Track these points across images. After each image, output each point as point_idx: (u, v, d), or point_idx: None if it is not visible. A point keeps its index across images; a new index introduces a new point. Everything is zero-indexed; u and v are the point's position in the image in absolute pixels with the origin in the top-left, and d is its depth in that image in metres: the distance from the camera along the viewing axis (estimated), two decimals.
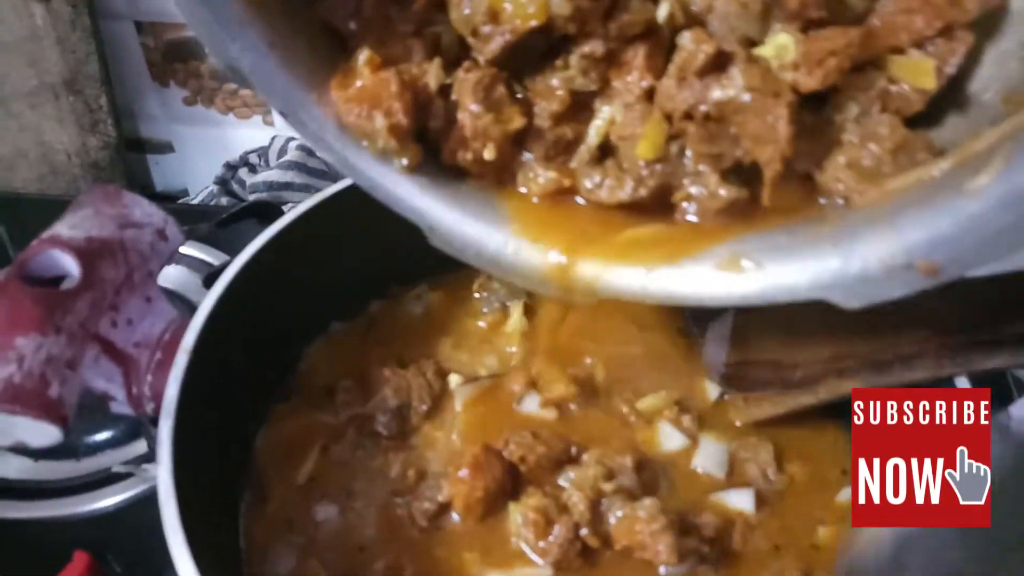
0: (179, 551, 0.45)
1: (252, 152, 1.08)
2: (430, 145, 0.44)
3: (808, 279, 0.41)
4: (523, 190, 0.45)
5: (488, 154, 0.43)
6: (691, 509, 0.56)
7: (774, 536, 0.56)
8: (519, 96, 0.44)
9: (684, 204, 0.43)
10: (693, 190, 0.42)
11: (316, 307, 0.65)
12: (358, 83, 0.42)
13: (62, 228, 0.58)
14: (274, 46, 0.42)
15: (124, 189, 0.63)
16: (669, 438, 0.60)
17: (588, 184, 0.44)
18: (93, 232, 0.58)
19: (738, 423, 0.62)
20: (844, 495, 0.58)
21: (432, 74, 0.42)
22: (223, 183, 1.07)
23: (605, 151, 0.44)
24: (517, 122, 0.43)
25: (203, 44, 0.47)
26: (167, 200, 1.15)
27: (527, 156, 0.45)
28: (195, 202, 1.10)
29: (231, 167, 1.08)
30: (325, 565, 0.53)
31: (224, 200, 1.07)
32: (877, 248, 0.39)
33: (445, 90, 0.43)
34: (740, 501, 0.57)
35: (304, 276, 0.62)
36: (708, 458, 0.59)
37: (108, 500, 0.75)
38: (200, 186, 1.13)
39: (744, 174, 0.42)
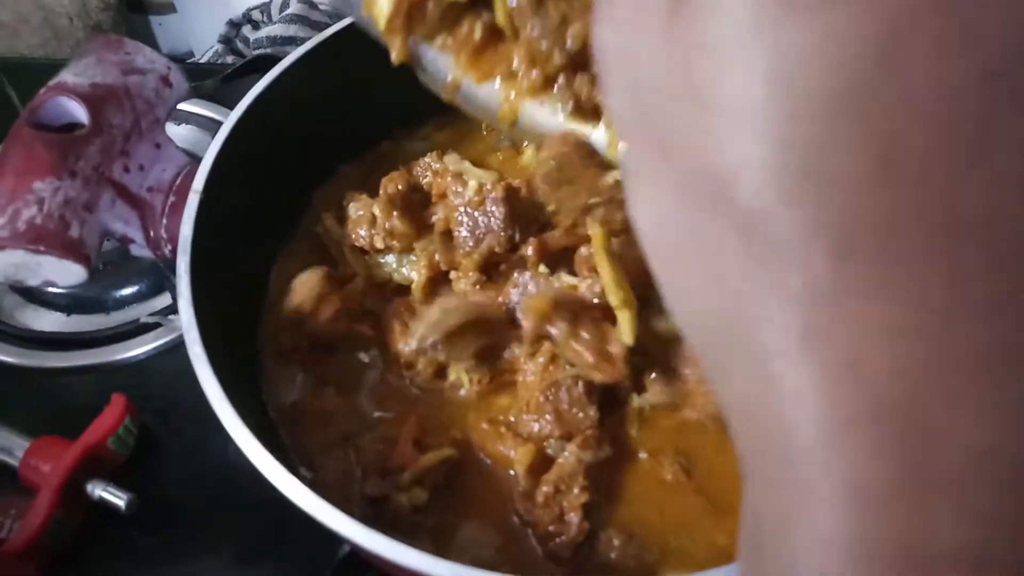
0: (205, 373, 0.48)
1: (255, 8, 1.07)
2: None
3: None
4: None
5: None
6: None
7: None
8: None
9: None
10: None
11: (323, 150, 0.65)
12: None
13: (67, 76, 0.59)
14: None
15: (125, 37, 0.63)
16: None
17: None
18: (97, 79, 0.59)
19: None
20: None
21: None
22: (227, 41, 1.06)
23: None
24: None
25: None
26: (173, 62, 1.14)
27: None
28: (201, 62, 1.09)
29: (234, 24, 1.07)
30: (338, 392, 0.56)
31: (230, 59, 1.06)
32: None
33: None
34: None
35: (309, 119, 0.63)
36: None
37: (138, 349, 0.78)
38: (205, 46, 1.11)
39: None
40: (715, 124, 0.18)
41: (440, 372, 0.55)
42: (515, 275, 0.54)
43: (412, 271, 0.58)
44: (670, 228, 0.21)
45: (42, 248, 0.53)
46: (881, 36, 0.16)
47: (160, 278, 0.81)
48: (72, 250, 0.53)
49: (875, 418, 0.18)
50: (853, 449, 0.18)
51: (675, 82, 0.19)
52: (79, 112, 0.57)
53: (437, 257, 0.57)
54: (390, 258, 0.59)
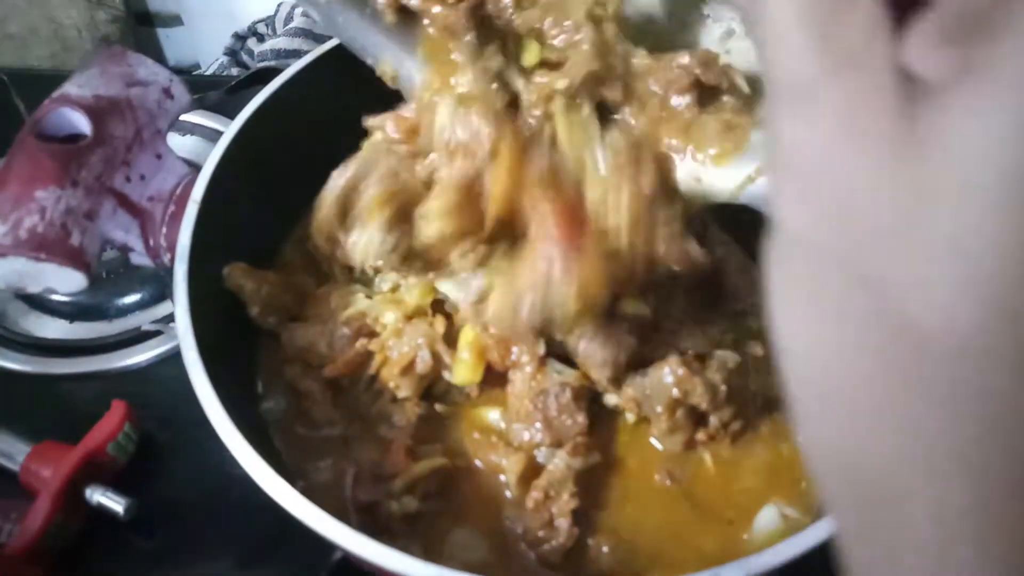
0: (199, 379, 0.48)
1: (260, 21, 1.08)
2: None
3: None
4: None
5: None
6: None
7: None
8: None
9: None
10: None
11: (323, 161, 0.66)
12: None
13: (71, 88, 0.60)
14: None
15: (129, 50, 0.65)
16: None
17: None
18: (100, 91, 0.60)
19: None
20: None
21: None
22: (233, 54, 1.07)
23: None
24: None
25: None
26: (180, 74, 1.15)
27: None
28: (207, 74, 1.10)
29: (240, 37, 1.08)
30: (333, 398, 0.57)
31: (235, 71, 1.07)
32: None
33: None
34: None
35: (309, 130, 0.63)
36: None
37: (140, 356, 0.79)
38: (211, 58, 1.13)
39: None
40: (927, 273, 0.18)
41: (431, 384, 0.56)
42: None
43: (389, 311, 0.57)
44: (840, 361, 0.20)
45: (43, 256, 0.54)
46: None
47: (162, 286, 0.82)
48: (73, 258, 0.54)
49: None
50: None
51: (886, 217, 0.18)
52: (82, 123, 0.58)
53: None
54: (377, 278, 0.59)
